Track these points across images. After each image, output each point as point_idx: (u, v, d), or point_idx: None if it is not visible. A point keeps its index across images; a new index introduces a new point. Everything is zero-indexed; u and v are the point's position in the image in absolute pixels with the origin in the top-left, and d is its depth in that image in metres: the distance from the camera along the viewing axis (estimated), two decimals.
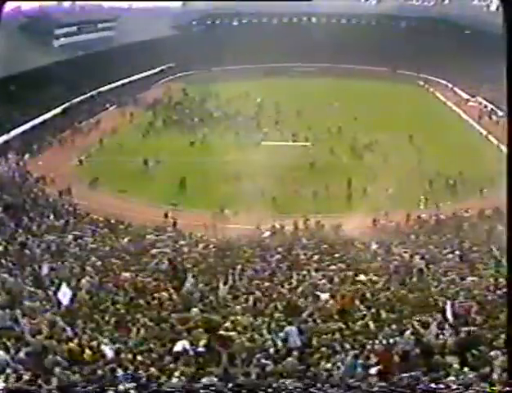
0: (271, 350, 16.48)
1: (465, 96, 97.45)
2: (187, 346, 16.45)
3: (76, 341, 16.54)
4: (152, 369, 14.89)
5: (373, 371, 14.82)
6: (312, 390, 11.31)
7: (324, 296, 21.84)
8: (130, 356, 15.90)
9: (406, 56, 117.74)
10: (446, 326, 18.04)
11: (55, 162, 59.06)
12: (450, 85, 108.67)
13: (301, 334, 17.28)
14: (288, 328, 17.39)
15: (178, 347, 16.46)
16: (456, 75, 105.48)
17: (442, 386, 12.06)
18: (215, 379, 13.88)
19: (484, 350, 15.73)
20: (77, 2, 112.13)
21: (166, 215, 44.65)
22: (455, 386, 11.52)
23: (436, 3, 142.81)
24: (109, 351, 16.10)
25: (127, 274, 24.86)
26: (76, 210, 43.87)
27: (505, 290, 21.40)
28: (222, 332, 17.52)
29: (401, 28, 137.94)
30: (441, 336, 17.22)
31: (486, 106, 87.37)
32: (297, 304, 21.32)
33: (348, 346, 16.73)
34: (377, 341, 17.08)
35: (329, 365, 15.55)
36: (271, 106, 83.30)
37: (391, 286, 23.90)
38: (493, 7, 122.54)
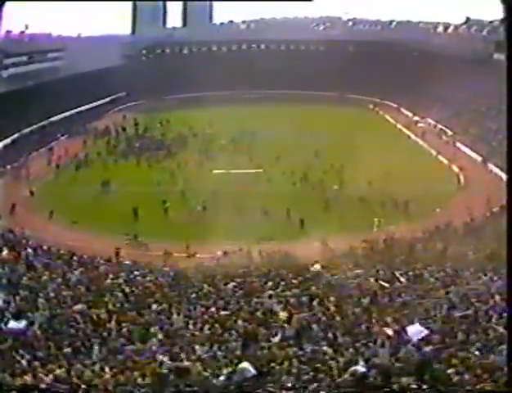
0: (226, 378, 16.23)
1: (415, 118, 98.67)
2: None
3: (30, 374, 16.22)
4: None
5: None
6: None
7: None
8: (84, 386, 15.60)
9: (355, 81, 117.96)
10: (401, 347, 18.08)
11: (6, 193, 58.18)
12: (399, 107, 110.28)
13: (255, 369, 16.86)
14: (241, 366, 16.89)
15: None
16: (405, 98, 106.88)
17: None
18: None
19: (442, 368, 15.84)
20: (26, 31, 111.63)
21: (118, 248, 43.81)
22: None
23: (383, 27, 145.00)
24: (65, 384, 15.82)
25: (80, 306, 24.46)
26: (28, 241, 43.14)
27: (462, 310, 21.70)
28: (178, 363, 17.35)
29: (349, 52, 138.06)
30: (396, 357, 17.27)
31: (435, 127, 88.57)
32: (253, 331, 21.20)
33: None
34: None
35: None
36: (221, 133, 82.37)
37: (346, 308, 23.90)
38: (440, 29, 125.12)
